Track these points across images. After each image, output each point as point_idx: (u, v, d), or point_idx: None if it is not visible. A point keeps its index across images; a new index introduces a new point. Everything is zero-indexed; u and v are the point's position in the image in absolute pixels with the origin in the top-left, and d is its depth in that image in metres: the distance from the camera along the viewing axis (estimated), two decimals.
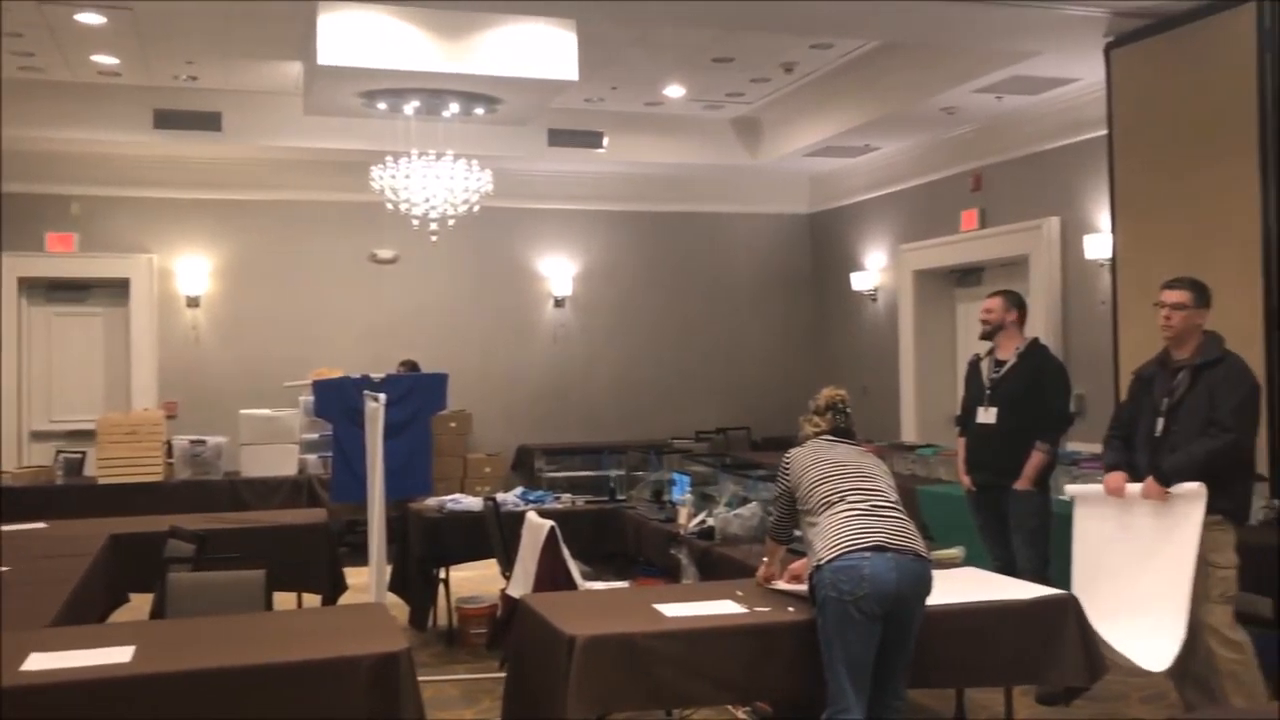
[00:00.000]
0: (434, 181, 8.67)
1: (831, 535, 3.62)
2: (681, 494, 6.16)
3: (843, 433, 4.01)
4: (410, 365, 9.72)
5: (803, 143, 10.40)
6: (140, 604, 5.50)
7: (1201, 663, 4.42)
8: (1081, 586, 4.34)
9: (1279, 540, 5.05)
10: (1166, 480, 4.36)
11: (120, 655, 3.18)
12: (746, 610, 3.84)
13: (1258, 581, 5.10)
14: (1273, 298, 5.98)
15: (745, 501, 5.53)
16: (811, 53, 8.86)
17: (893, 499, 3.76)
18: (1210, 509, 4.30)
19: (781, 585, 4.07)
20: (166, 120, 9.62)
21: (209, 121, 9.70)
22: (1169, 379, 4.52)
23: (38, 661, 3.11)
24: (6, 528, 5.91)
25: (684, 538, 5.56)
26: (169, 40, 8.41)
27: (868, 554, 3.54)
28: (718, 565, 5.15)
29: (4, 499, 7.63)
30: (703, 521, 5.60)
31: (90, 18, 7.86)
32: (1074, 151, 8.55)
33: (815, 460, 3.86)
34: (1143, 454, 4.49)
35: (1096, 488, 4.68)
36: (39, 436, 10.30)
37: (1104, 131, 7.14)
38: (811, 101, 9.96)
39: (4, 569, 4.64)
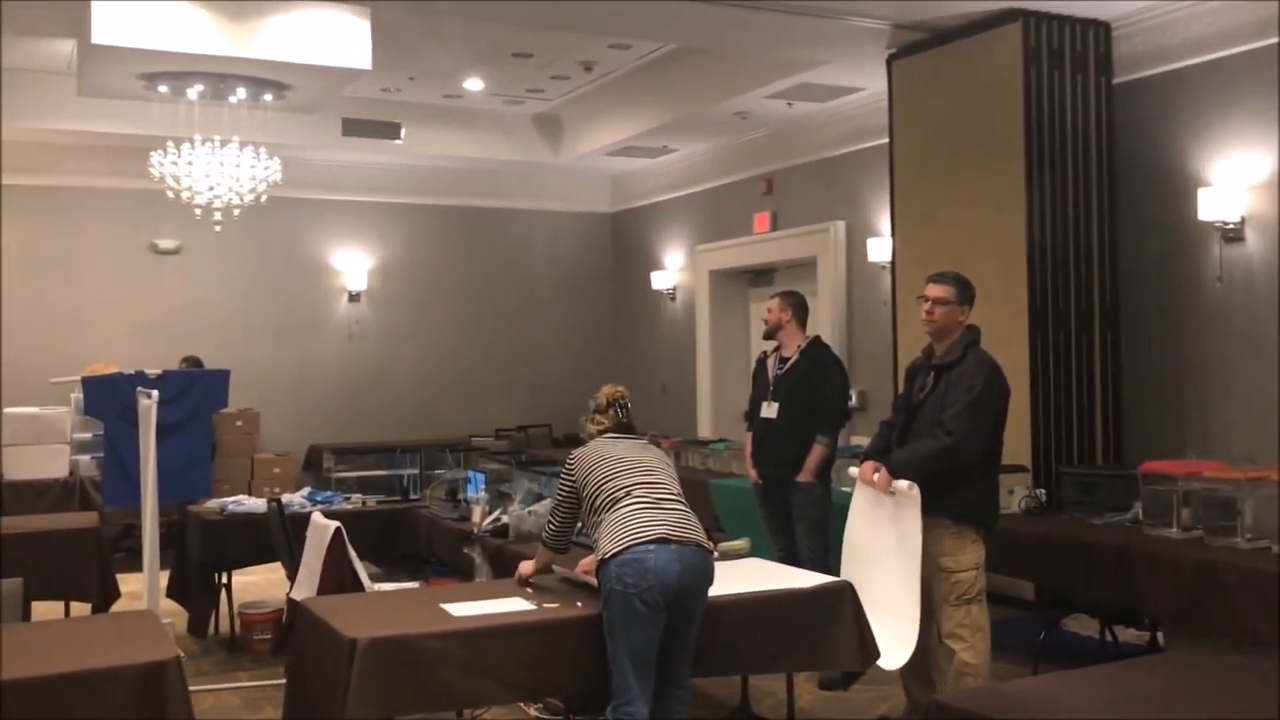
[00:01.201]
0: (218, 169, 8.30)
1: (617, 530, 3.65)
2: (476, 492, 6.10)
3: (624, 429, 4.04)
4: (193, 361, 9.29)
5: (603, 142, 10.47)
6: None
7: (929, 663, 4.45)
8: (846, 572, 4.49)
9: (1039, 528, 5.39)
10: (894, 474, 4.38)
11: None
12: (534, 607, 3.83)
13: (1019, 567, 5.45)
14: (1036, 299, 6.40)
15: (540, 498, 5.51)
16: (610, 52, 8.93)
17: (675, 491, 3.82)
18: (941, 513, 4.33)
19: (570, 573, 4.07)
20: None
21: None
22: (925, 376, 4.55)
23: None
24: None
25: (477, 536, 5.51)
26: None
27: (651, 547, 3.59)
28: (511, 563, 5.07)
29: None
30: (497, 519, 5.56)
31: None
32: (859, 158, 8.91)
33: (600, 458, 3.88)
34: (894, 448, 4.53)
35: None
36: None
37: (886, 140, 7.47)
38: (611, 101, 10.04)
39: None
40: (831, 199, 9.23)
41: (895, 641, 4.28)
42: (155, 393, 5.14)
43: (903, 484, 4.34)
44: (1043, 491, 5.89)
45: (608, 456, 3.87)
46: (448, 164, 11.31)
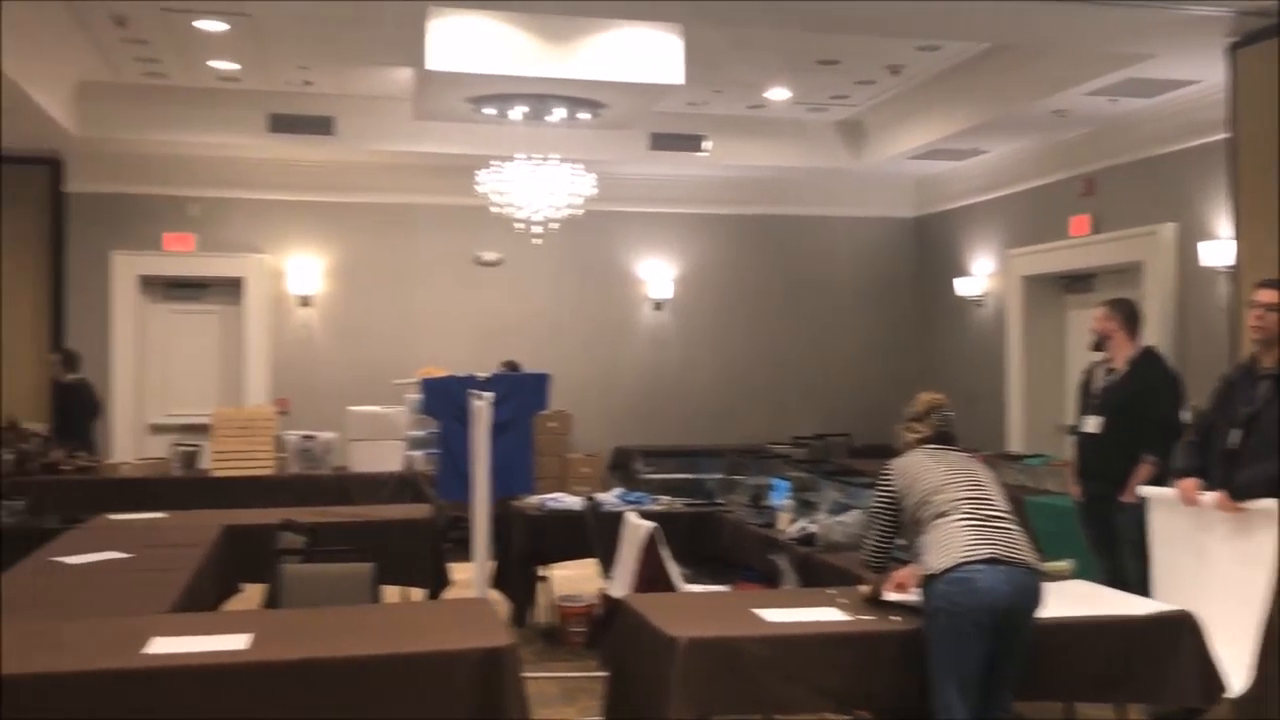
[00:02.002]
0: (538, 185, 8.77)
1: (945, 546, 3.56)
2: (781, 499, 6.12)
3: (945, 438, 3.93)
4: (511, 365, 9.82)
5: (908, 145, 10.28)
6: (252, 593, 5.67)
7: (1268, 698, 4.11)
8: (1161, 597, 4.19)
9: None
10: (1239, 495, 4.07)
11: (238, 642, 3.27)
12: (849, 617, 3.81)
13: None
14: None
15: (847, 509, 5.47)
16: (919, 55, 8.76)
17: (1005, 509, 3.69)
18: None
19: (890, 595, 4.00)
20: (281, 124, 9.91)
21: (322, 125, 9.97)
22: (1251, 387, 4.23)
23: (160, 645, 3.23)
24: (129, 516, 6.15)
25: (784, 543, 5.52)
26: (285, 46, 8.66)
27: (981, 566, 3.48)
28: (818, 572, 5.10)
29: (125, 489, 7.94)
30: (803, 528, 5.56)
31: (210, 24, 8.14)
32: (1191, 156, 8.29)
33: (925, 470, 3.79)
34: (1217, 465, 4.21)
35: (1171, 491, 4.43)
36: (157, 429, 10.67)
37: (1223, 135, 6.92)
38: (918, 104, 9.83)
39: (127, 556, 4.83)
40: (1159, 200, 8.64)
41: (1230, 672, 3.96)
42: (489, 394, 5.48)
43: (1267, 502, 4.01)
44: None
45: (933, 468, 3.78)
46: (749, 173, 11.44)
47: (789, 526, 5.72)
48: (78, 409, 9.35)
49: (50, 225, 10.53)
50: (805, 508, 5.93)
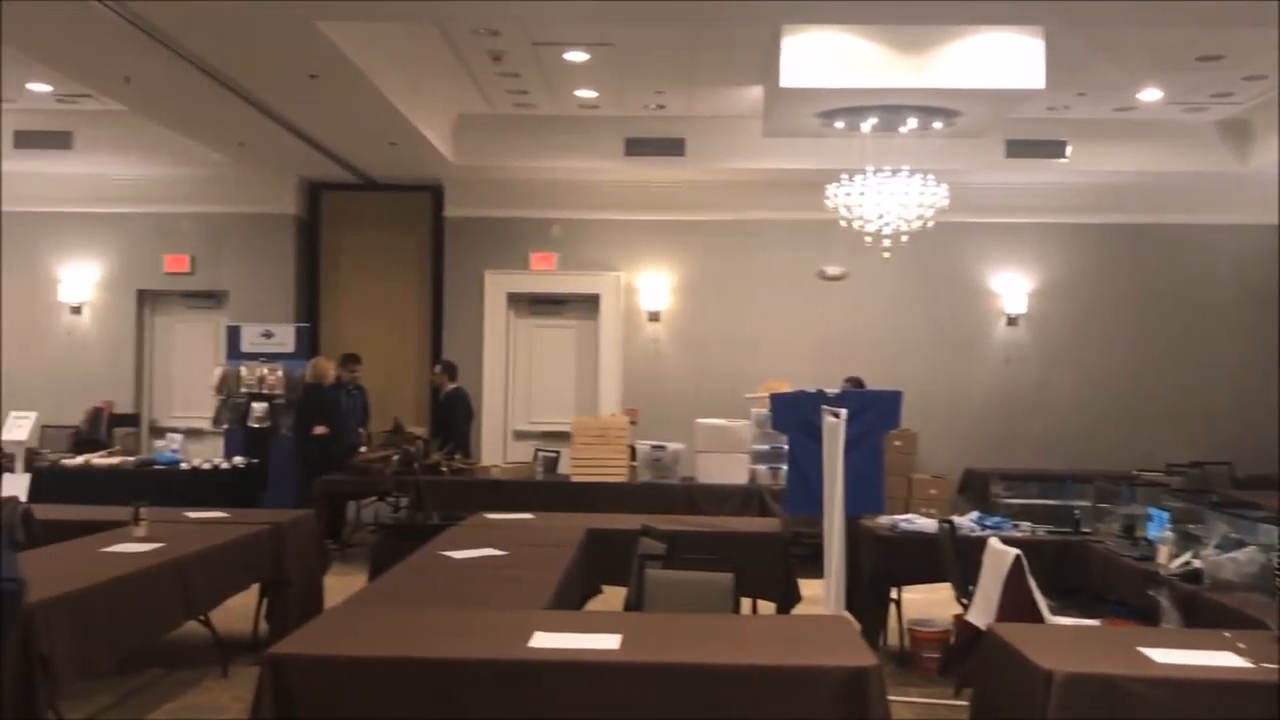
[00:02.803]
0: (888, 197, 8.63)
1: None
2: (1160, 531, 5.67)
3: None
4: (855, 381, 9.70)
5: None
6: (610, 595, 5.91)
7: None
8: None
9: None
10: None
11: (610, 641, 3.43)
12: (1252, 665, 3.45)
13: None
14: None
15: (1240, 544, 4.98)
16: None
17: None
18: None
19: None
20: (636, 147, 10.37)
21: (673, 147, 10.34)
22: None
23: (542, 640, 3.43)
24: (502, 516, 6.59)
25: (1165, 579, 5.10)
26: (642, 72, 9.03)
27: None
28: (1205, 612, 4.67)
29: (493, 490, 8.54)
30: (1187, 563, 5.11)
31: (576, 55, 8.62)
32: None
33: None
34: None
35: None
36: (520, 435, 11.43)
37: None
38: None
39: (503, 553, 5.17)
40: None
41: None
42: (844, 411, 5.43)
43: None
44: None
45: None
46: (1114, 179, 10.73)
47: (1170, 561, 5.29)
48: (457, 415, 10.15)
49: (432, 247, 11.56)
50: (1189, 541, 5.47)
